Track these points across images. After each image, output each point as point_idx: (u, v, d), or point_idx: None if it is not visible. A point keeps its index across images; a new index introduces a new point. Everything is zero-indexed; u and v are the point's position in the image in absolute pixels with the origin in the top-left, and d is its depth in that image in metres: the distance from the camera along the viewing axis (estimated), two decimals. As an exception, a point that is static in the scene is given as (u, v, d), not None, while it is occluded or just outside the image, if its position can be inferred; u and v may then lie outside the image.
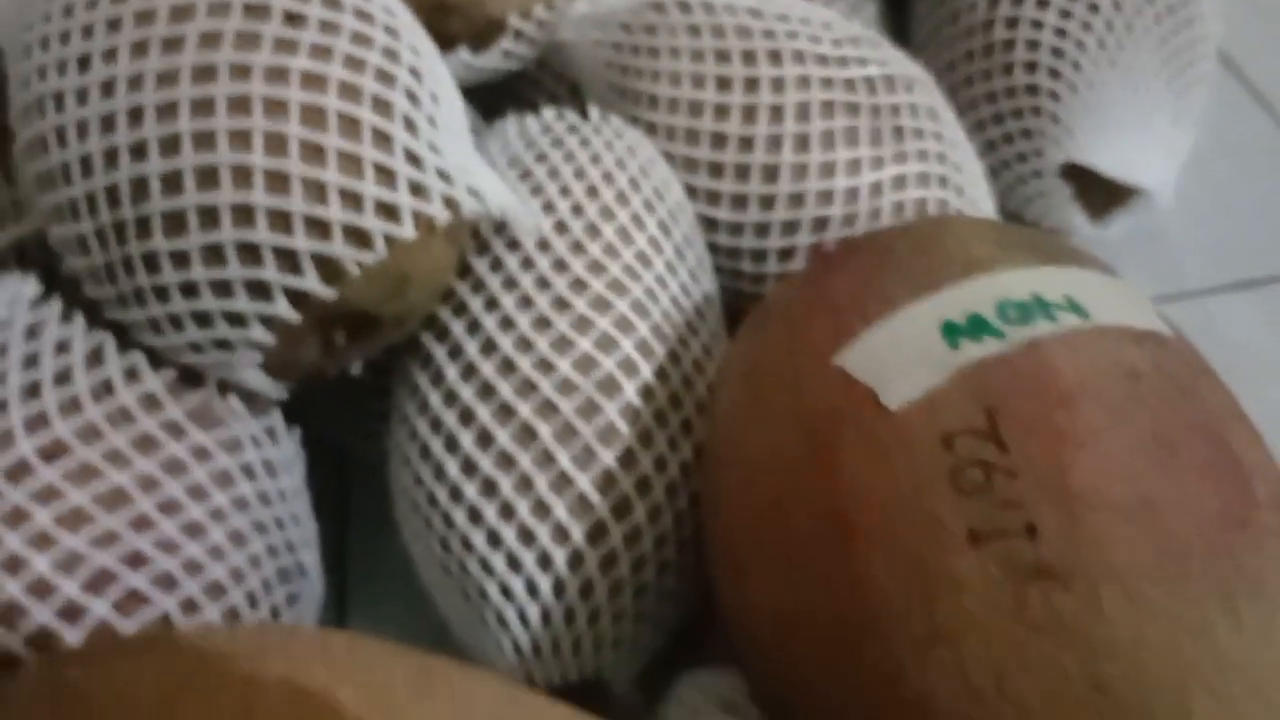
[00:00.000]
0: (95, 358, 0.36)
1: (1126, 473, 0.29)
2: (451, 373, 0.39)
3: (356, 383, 0.43)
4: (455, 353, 0.40)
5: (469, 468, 0.38)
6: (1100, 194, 0.57)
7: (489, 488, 0.38)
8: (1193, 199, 0.59)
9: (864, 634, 0.29)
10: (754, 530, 0.33)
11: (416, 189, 0.36)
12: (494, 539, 0.38)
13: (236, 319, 0.35)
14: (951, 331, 0.32)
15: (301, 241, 0.34)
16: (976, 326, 0.32)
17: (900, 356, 0.32)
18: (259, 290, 0.35)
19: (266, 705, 0.25)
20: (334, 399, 0.45)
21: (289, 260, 0.34)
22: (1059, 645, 0.27)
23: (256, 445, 0.39)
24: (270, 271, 0.34)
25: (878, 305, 0.34)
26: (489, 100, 0.53)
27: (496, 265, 0.41)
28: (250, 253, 0.34)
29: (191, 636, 0.30)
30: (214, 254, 0.34)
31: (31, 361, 0.36)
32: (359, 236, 0.35)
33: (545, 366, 0.38)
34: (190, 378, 0.38)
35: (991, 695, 0.27)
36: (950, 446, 0.30)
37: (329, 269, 0.35)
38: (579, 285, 0.40)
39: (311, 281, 0.35)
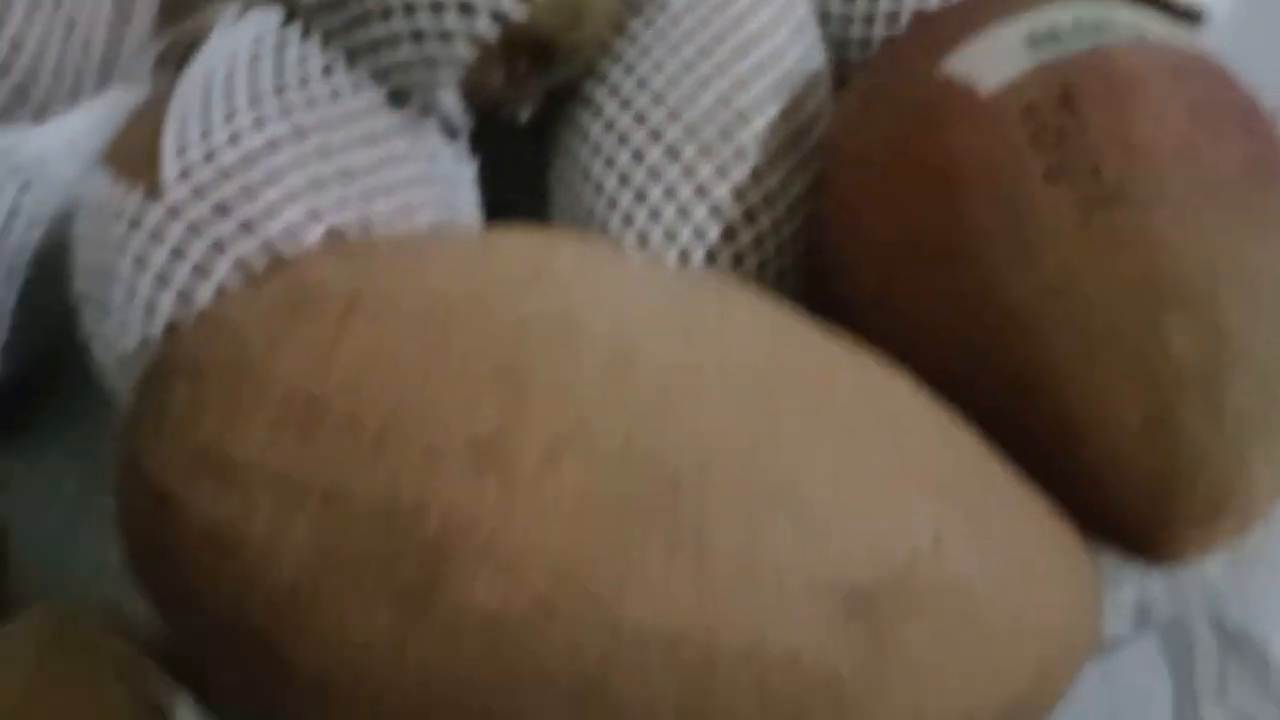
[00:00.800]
0: (328, 70, 0.44)
1: (1175, 129, 0.36)
2: (610, 107, 0.47)
3: (517, 138, 0.50)
4: (613, 90, 0.47)
5: (623, 180, 0.46)
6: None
7: (640, 196, 0.45)
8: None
9: (962, 258, 0.37)
10: (871, 191, 0.41)
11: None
12: (643, 239, 0.45)
13: (446, 36, 0.43)
14: (1033, 41, 0.40)
15: (503, -32, 0.44)
16: (1054, 36, 0.40)
17: (991, 59, 0.40)
18: (466, 10, 0.43)
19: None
20: (495, 157, 0.52)
21: (492, -16, 0.44)
22: (1117, 251, 0.34)
23: (448, 161, 0.46)
24: (477, -8, 0.44)
25: (972, 29, 0.42)
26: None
27: (649, 23, 0.48)
28: (462, -23, 0.44)
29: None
30: (432, -22, 0.44)
31: (279, 69, 0.44)
32: (548, -34, 0.45)
33: (690, 99, 0.45)
34: (398, 100, 0.45)
35: (1063, 292, 0.35)
36: (1031, 114, 0.37)
37: (523, -8, 0.45)
38: (719, 38, 0.47)
39: (509, 2, 0.43)
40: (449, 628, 0.28)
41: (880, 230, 0.40)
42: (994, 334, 0.36)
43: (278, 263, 0.37)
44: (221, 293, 0.39)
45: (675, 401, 0.30)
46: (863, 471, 0.31)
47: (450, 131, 0.48)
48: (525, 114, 0.50)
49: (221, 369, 0.32)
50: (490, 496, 0.28)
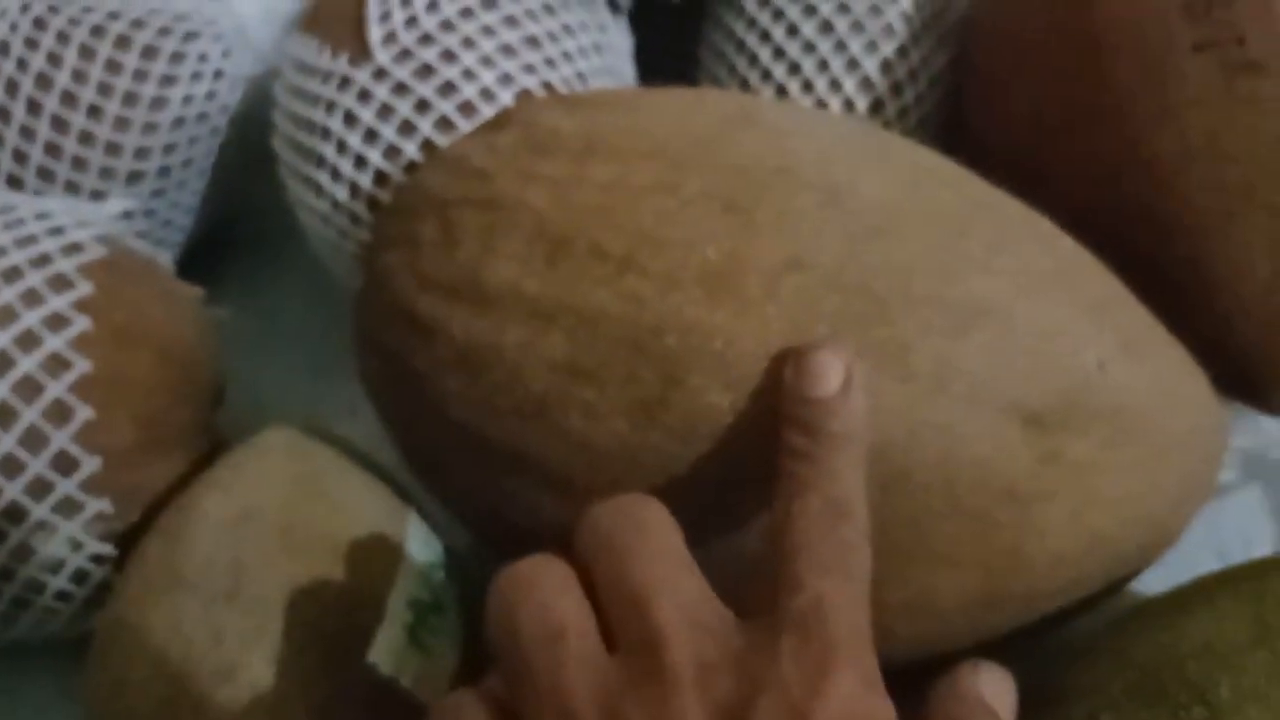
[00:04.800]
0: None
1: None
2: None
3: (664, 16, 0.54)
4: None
5: (778, 53, 0.48)
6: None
7: (794, 69, 0.48)
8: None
9: (1108, 115, 0.40)
10: (1020, 60, 0.44)
11: None
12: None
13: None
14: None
15: None
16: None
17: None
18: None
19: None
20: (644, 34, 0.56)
21: None
22: (1257, 114, 0.38)
23: (615, 33, 0.51)
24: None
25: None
26: None
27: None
28: None
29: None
30: None
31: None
32: None
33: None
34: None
35: (1205, 151, 0.39)
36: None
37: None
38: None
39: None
40: (682, 431, 0.32)
41: (1026, 97, 0.44)
42: (1135, 190, 0.40)
43: (504, 114, 0.42)
44: (430, 146, 0.44)
45: (880, 232, 0.34)
46: (1042, 300, 0.34)
47: (615, 6, 0.53)
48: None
49: (471, 204, 0.36)
50: (722, 317, 0.32)
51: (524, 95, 0.45)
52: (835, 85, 0.48)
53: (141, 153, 0.49)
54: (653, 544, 0.29)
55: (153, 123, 0.48)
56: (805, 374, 0.31)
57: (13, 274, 0.39)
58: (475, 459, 0.36)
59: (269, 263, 0.59)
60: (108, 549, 0.39)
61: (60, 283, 0.40)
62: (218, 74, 0.50)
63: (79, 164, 0.48)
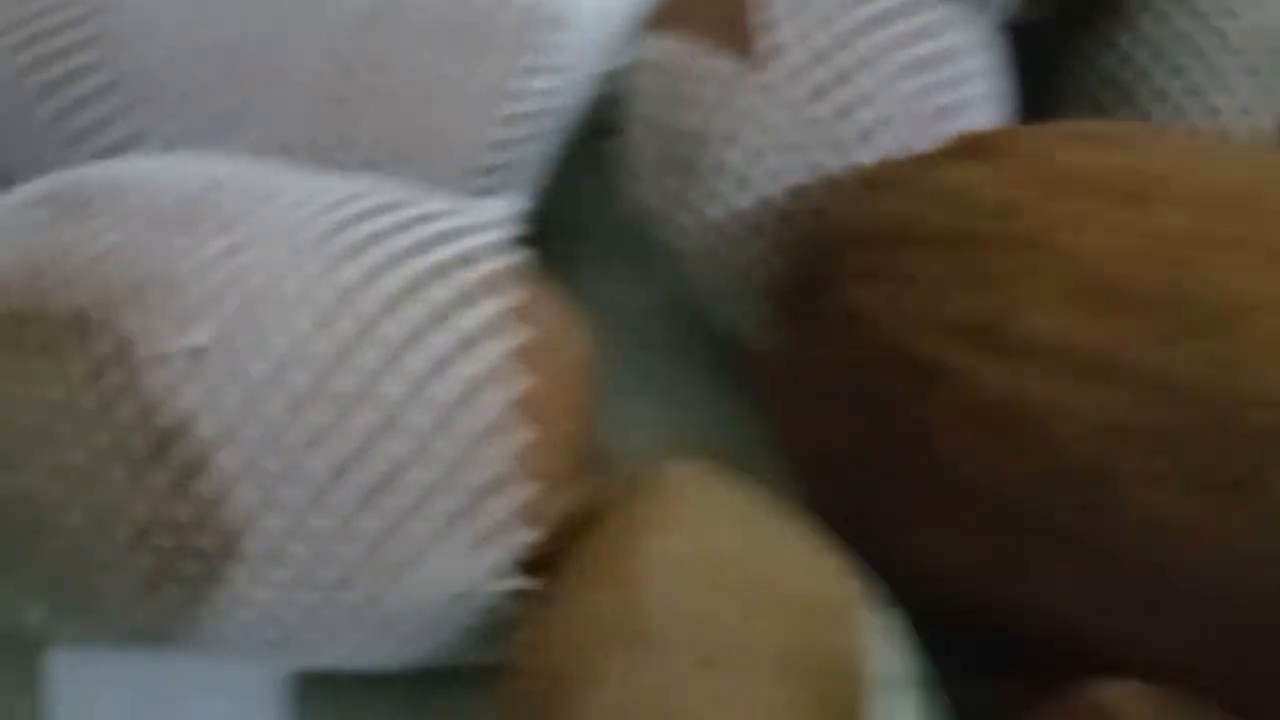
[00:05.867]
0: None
1: None
2: (1179, 16, 0.45)
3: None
4: None
5: (1193, 91, 0.43)
6: None
7: (1213, 111, 0.43)
8: None
9: None
10: None
11: None
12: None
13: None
14: None
15: None
16: None
17: None
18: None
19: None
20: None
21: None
22: None
23: (997, 53, 0.47)
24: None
25: None
26: None
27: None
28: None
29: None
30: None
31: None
32: None
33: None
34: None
35: None
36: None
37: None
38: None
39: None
40: (1274, 521, 0.29)
41: None
42: None
43: (972, 141, 0.38)
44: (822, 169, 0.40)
45: None
46: None
47: (1000, 24, 0.49)
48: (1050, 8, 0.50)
49: (987, 242, 0.33)
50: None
51: (1003, 124, 0.42)
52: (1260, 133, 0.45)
53: (498, 145, 0.46)
54: None
55: (513, 115, 0.46)
56: None
57: (439, 272, 0.35)
58: (965, 518, 0.33)
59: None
60: (526, 581, 0.36)
61: (489, 289, 0.35)
62: (571, 67, 0.47)
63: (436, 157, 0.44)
